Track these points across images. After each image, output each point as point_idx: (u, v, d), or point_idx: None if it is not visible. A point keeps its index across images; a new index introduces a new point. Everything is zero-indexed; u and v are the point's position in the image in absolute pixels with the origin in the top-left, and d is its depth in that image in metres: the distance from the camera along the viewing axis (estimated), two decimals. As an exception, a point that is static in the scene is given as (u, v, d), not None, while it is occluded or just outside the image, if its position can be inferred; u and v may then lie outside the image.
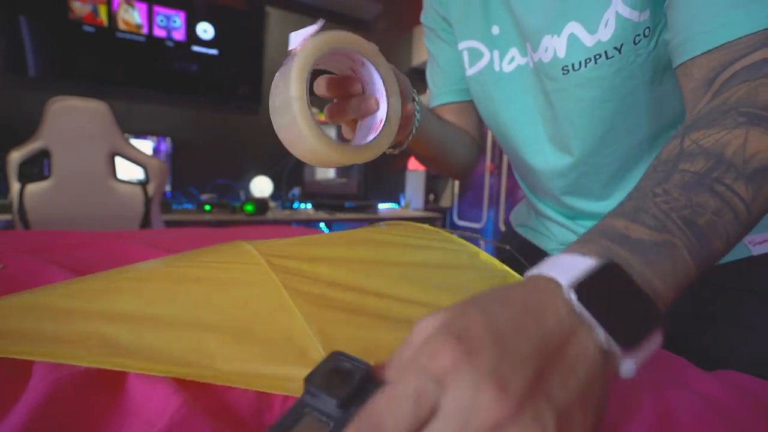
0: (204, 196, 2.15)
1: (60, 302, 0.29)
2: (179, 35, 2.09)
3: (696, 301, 0.47)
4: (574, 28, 0.43)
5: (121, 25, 1.96)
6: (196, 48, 2.13)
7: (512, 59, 0.53)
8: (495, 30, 0.53)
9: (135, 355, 0.25)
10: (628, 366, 0.19)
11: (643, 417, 0.25)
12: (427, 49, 0.69)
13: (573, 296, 0.19)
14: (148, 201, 1.44)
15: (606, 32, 0.41)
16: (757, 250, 0.45)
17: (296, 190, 2.35)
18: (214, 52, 2.18)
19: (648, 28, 0.40)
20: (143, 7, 1.99)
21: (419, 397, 0.16)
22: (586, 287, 0.20)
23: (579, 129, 0.49)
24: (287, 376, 0.25)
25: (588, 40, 0.42)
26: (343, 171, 2.37)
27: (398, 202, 2.89)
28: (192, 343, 0.27)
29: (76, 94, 1.36)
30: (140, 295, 0.31)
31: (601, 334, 0.19)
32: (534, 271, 0.22)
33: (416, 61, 2.79)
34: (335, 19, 2.52)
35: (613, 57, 0.42)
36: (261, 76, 2.31)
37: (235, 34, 2.23)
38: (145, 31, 2.01)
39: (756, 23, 0.30)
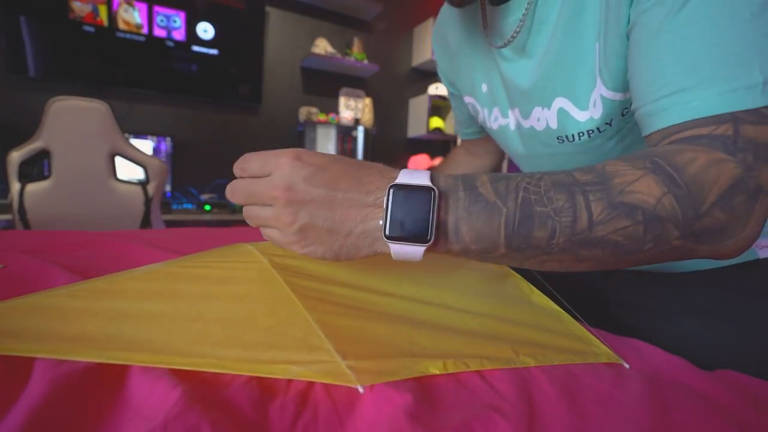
0: (204, 196, 2.15)
1: (65, 302, 0.29)
2: (179, 35, 2.09)
3: (699, 301, 0.47)
4: (563, 103, 0.44)
5: (121, 25, 1.96)
6: (196, 48, 2.14)
7: (495, 118, 0.56)
8: (484, 88, 0.56)
9: (137, 349, 0.25)
10: (389, 246, 0.29)
11: (641, 417, 0.25)
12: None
13: (390, 191, 0.28)
14: (148, 201, 1.44)
15: (596, 111, 0.42)
16: (764, 254, 0.45)
17: (296, 190, 2.35)
18: (214, 52, 2.18)
19: None
20: (143, 7, 1.99)
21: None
22: (401, 188, 0.28)
23: None
24: (288, 360, 0.25)
25: (579, 115, 0.43)
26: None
27: (398, 202, 2.89)
28: (195, 334, 0.27)
29: (77, 94, 1.36)
30: (143, 294, 0.31)
31: (381, 216, 0.28)
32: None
33: (416, 61, 2.79)
34: (335, 20, 2.52)
35: (605, 130, 0.43)
36: (261, 76, 2.31)
37: (235, 34, 2.23)
38: (145, 31, 2.01)
39: (710, 108, 0.29)
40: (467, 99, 0.61)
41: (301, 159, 0.29)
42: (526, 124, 0.50)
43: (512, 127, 0.53)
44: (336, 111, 2.58)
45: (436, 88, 2.73)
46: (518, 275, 0.47)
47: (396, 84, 2.82)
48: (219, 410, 0.21)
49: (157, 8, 2.02)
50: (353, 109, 2.58)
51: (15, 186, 1.28)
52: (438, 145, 2.99)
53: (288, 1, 2.39)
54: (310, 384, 0.25)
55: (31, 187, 1.29)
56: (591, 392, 0.28)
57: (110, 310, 0.29)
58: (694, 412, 0.26)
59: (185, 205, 2.06)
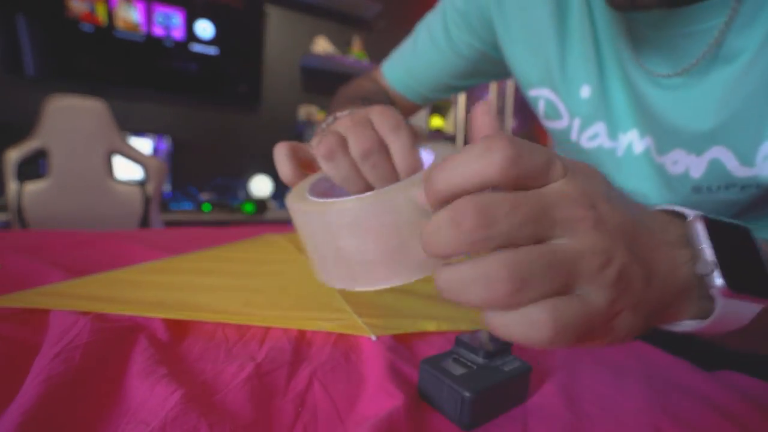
0: (203, 196, 2.14)
1: (135, 276, 0.38)
2: (178, 34, 2.08)
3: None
4: (720, 153, 0.36)
5: (120, 24, 1.95)
6: (195, 47, 2.13)
7: (595, 136, 0.42)
8: (585, 92, 0.41)
9: (200, 310, 0.32)
10: (718, 304, 0.19)
11: (643, 418, 0.25)
12: (423, 28, 0.56)
13: (700, 225, 0.19)
14: (146, 201, 1.44)
15: (766, 167, 0.33)
16: None
17: (295, 190, 2.34)
18: (213, 51, 2.18)
19: None
20: (142, 5, 1.98)
21: (539, 217, 0.16)
22: (714, 223, 0.19)
23: None
24: (316, 317, 0.33)
25: (739, 171, 0.35)
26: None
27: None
28: (242, 300, 0.35)
29: (74, 93, 1.35)
30: (197, 271, 0.40)
31: (708, 256, 0.18)
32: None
33: (416, 60, 2.79)
34: (335, 19, 2.51)
35: (764, 185, 0.35)
36: (260, 75, 2.31)
37: (234, 33, 2.22)
38: (143, 29, 2.00)
39: None
40: (539, 92, 0.45)
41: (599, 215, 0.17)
42: (658, 159, 0.39)
43: (620, 153, 0.41)
44: (335, 110, 2.57)
45: (436, 87, 2.73)
46: None
47: (395, 83, 2.82)
48: (217, 413, 0.21)
49: (155, 7, 2.01)
50: (352, 108, 2.57)
51: (12, 185, 1.27)
52: (437, 144, 2.99)
53: None
54: (309, 385, 0.25)
55: (29, 187, 1.29)
56: (589, 393, 0.28)
57: (173, 283, 0.37)
58: (694, 413, 0.26)
59: (184, 205, 2.06)
